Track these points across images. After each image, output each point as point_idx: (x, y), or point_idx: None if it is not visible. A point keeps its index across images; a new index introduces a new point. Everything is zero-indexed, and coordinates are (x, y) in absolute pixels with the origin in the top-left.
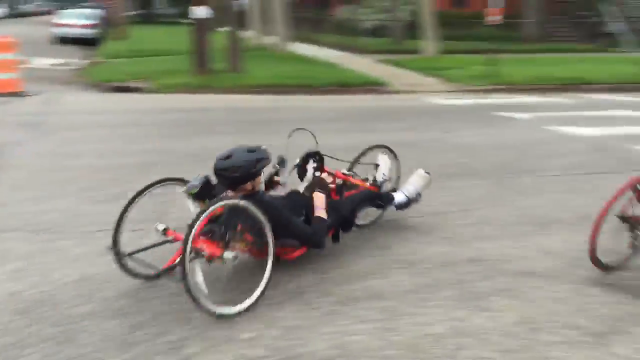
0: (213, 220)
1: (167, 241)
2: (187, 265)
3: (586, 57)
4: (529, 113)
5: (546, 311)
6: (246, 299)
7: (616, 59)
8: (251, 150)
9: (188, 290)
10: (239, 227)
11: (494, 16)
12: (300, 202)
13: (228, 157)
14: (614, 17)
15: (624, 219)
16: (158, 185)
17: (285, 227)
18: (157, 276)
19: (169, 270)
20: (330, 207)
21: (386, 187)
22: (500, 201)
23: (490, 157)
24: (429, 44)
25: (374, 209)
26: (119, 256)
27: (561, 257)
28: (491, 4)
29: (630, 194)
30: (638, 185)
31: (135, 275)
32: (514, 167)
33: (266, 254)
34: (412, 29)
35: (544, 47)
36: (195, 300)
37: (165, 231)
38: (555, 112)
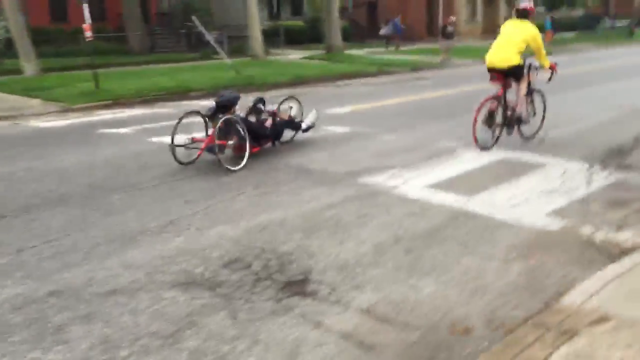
0: (218, 130)
1: (196, 141)
2: (217, 147)
3: (191, 65)
4: (133, 127)
5: (125, 326)
6: (239, 165)
7: (216, 65)
8: (231, 93)
9: (218, 159)
10: (231, 133)
11: (87, 32)
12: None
13: (222, 96)
14: (210, 27)
15: (484, 121)
16: (189, 114)
17: (256, 129)
18: (193, 162)
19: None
20: (271, 127)
21: (297, 119)
22: (87, 224)
23: (83, 179)
24: (29, 63)
25: (292, 131)
26: (174, 150)
27: (144, 268)
28: (87, 20)
29: (486, 108)
30: (488, 103)
31: (180, 162)
32: (105, 185)
33: (241, 150)
34: (10, 48)
35: (152, 58)
36: (221, 162)
37: (192, 139)
38: (159, 122)
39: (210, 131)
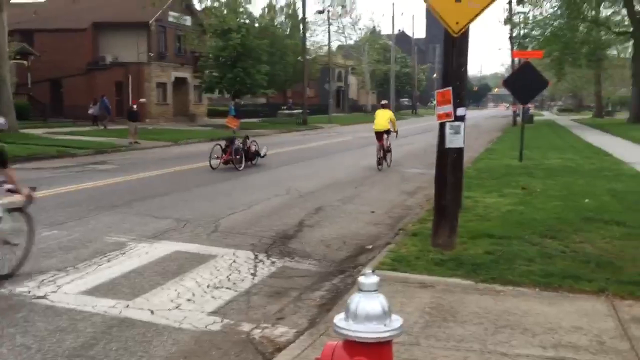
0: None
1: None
2: (234, 158)
3: None
4: None
5: None
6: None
7: None
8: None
9: (234, 165)
10: (238, 153)
11: None
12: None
13: (230, 137)
14: None
15: (378, 157)
16: (217, 144)
17: (247, 153)
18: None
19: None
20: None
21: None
22: None
23: None
24: None
25: (257, 157)
26: (210, 161)
27: None
28: None
29: (378, 150)
30: (379, 147)
31: (212, 167)
32: None
33: (240, 163)
34: None
35: None
36: (235, 166)
37: (217, 157)
38: None
39: (226, 152)
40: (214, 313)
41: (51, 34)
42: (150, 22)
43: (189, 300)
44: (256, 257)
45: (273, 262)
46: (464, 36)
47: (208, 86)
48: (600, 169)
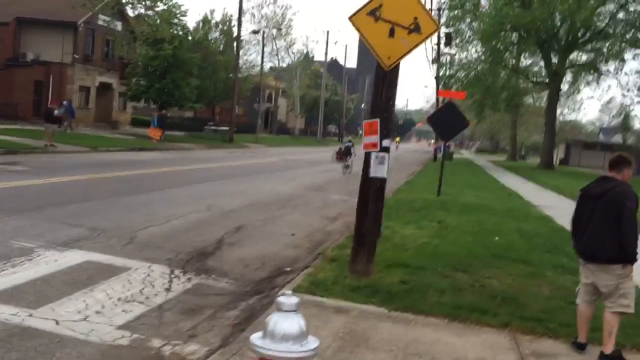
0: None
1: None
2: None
3: None
4: None
5: None
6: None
7: None
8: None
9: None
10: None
11: None
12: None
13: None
14: None
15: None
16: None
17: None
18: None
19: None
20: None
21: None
22: None
23: None
24: None
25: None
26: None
27: None
28: None
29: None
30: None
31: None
32: None
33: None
34: None
35: None
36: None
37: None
38: None
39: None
40: (123, 327)
41: None
42: (79, 23)
43: (97, 312)
44: (172, 272)
45: (189, 279)
46: (395, 70)
47: (134, 94)
48: (511, 209)
